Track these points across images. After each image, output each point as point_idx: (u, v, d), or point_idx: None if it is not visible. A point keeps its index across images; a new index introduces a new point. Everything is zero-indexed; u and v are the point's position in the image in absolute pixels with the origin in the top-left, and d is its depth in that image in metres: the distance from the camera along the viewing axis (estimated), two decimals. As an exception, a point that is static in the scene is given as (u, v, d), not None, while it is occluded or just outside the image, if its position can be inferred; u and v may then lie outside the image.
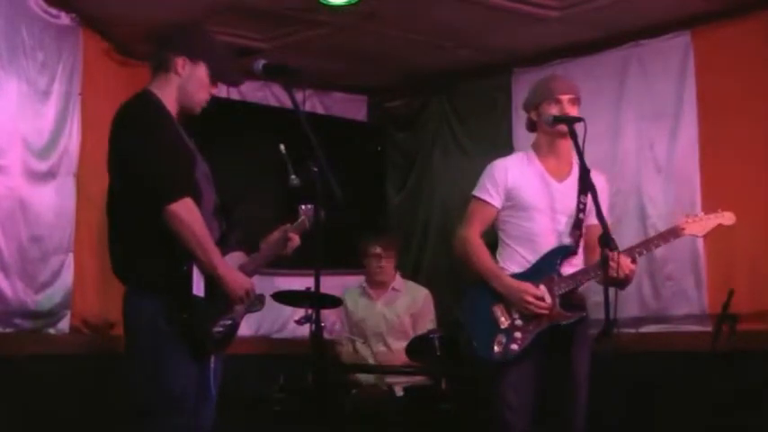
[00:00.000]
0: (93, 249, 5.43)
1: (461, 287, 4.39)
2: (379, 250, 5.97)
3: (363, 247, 6.03)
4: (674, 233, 4.14)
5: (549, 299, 4.03)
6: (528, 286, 4.03)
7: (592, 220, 4.12)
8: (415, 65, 6.81)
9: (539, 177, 4.19)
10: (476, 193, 4.25)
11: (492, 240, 4.30)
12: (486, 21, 5.86)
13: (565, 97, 4.16)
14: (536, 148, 4.26)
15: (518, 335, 4.02)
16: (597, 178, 4.20)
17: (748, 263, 5.48)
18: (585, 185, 4.11)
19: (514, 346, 4.01)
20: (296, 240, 3.74)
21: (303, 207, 3.72)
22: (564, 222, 4.15)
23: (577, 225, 4.14)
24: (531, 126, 4.29)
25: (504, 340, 4.02)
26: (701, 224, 4.16)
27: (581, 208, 4.14)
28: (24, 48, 4.96)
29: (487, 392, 4.13)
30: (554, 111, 4.14)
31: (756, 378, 5.17)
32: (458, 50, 6.44)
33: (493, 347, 4.02)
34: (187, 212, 3.35)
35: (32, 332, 5.07)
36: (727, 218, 4.20)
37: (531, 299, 4.01)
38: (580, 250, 4.16)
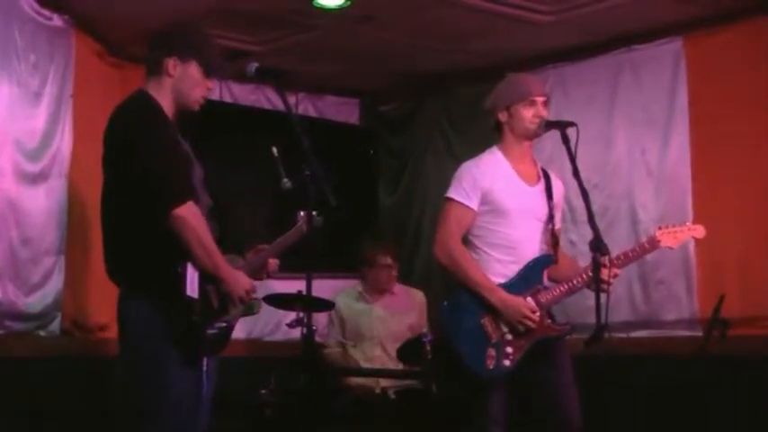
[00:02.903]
0: (84, 251, 5.41)
1: (443, 297, 4.22)
2: (389, 261, 5.93)
3: (370, 255, 5.99)
4: (652, 244, 4.10)
5: (537, 312, 3.96)
6: (522, 301, 3.95)
7: (556, 224, 4.16)
8: (407, 68, 6.81)
9: (512, 181, 4.09)
10: (452, 195, 4.08)
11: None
12: (479, 24, 5.87)
13: (540, 99, 4.09)
14: (505, 150, 4.13)
15: (509, 350, 3.94)
16: (556, 183, 4.20)
17: (739, 268, 5.49)
18: (550, 191, 4.12)
19: (507, 362, 3.93)
20: (273, 265, 3.79)
21: (302, 213, 3.72)
22: (539, 228, 4.10)
23: (553, 233, 4.12)
24: (497, 127, 4.15)
25: (495, 354, 3.92)
26: (674, 236, 4.12)
27: (552, 215, 4.11)
28: (16, 49, 4.95)
29: (468, 407, 4.02)
30: (529, 113, 4.05)
31: (747, 383, 5.18)
32: (451, 54, 6.45)
33: (485, 362, 3.91)
34: (192, 216, 3.36)
35: (23, 334, 5.05)
36: (699, 231, 4.18)
37: (527, 313, 3.93)
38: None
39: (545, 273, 4.07)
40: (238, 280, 3.51)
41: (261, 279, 3.76)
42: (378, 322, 5.95)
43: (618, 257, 4.02)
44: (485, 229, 4.07)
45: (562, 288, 4.02)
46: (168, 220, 3.33)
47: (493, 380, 3.94)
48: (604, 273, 3.73)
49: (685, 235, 4.16)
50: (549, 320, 4.02)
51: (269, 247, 3.81)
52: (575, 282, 4.00)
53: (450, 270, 4.06)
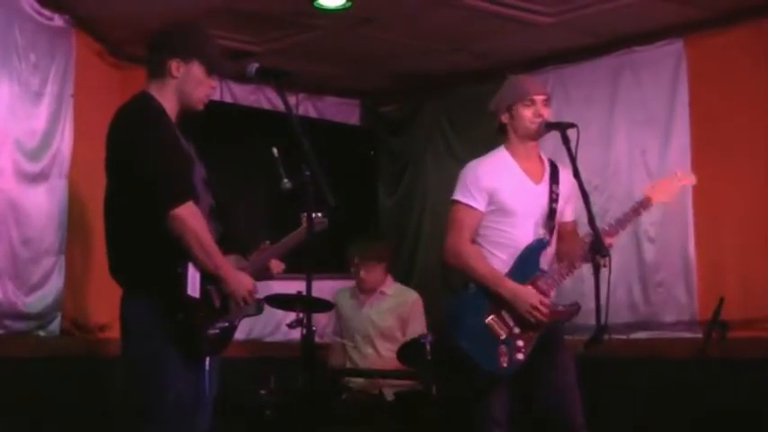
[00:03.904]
0: (84, 251, 5.41)
1: (445, 298, 4.23)
2: (357, 260, 5.93)
3: (348, 254, 6.01)
4: (643, 205, 4.09)
5: (547, 301, 3.96)
6: (533, 291, 3.94)
7: (566, 216, 4.17)
8: (408, 69, 6.81)
9: (518, 180, 4.10)
10: (459, 197, 4.10)
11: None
12: (479, 26, 5.87)
13: (539, 98, 4.10)
14: (511, 150, 4.14)
15: (520, 343, 3.92)
16: (564, 175, 4.19)
17: (739, 270, 5.49)
18: (556, 176, 4.13)
19: (520, 356, 3.92)
20: (278, 267, 3.80)
21: (305, 214, 3.71)
22: (539, 222, 4.09)
23: (551, 216, 4.09)
24: (501, 128, 4.17)
25: (506, 351, 3.91)
26: (665, 190, 4.14)
27: (554, 198, 4.10)
28: (17, 49, 4.96)
29: (471, 408, 4.02)
30: (528, 112, 4.06)
31: (746, 385, 5.18)
32: (451, 55, 6.45)
33: (498, 361, 3.89)
34: (191, 216, 3.36)
35: (23, 334, 5.05)
36: (690, 178, 4.22)
37: (537, 304, 3.92)
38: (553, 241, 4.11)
39: (540, 258, 4.05)
40: (240, 280, 3.51)
41: (266, 279, 3.76)
42: (367, 321, 5.95)
43: (610, 225, 4.02)
44: (490, 229, 4.08)
45: (562, 271, 4.02)
46: (167, 220, 3.33)
47: (508, 377, 3.92)
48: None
49: (676, 185, 4.18)
50: (554, 305, 4.00)
51: (271, 248, 3.81)
52: (574, 263, 4.00)
53: (459, 269, 4.06)
